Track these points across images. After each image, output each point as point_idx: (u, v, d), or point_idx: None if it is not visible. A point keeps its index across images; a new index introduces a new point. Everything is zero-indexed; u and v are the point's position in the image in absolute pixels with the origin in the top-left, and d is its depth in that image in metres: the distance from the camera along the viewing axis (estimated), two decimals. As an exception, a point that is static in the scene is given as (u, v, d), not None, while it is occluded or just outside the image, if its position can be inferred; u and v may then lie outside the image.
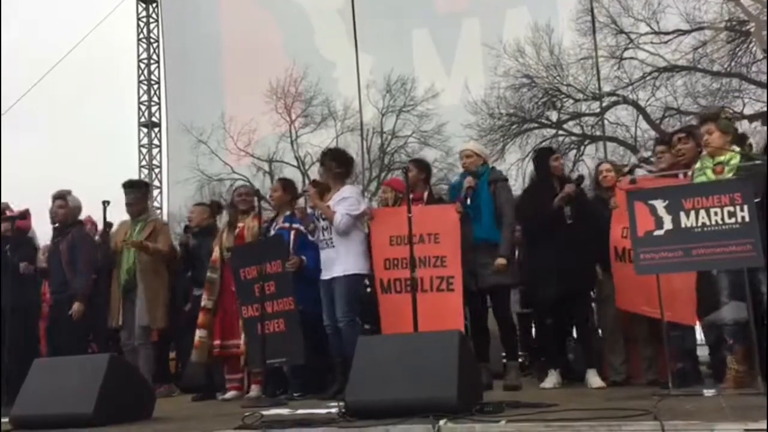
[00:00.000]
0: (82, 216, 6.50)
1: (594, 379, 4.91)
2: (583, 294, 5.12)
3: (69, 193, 6.32)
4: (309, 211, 5.62)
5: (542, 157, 5.40)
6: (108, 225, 6.10)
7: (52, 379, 4.07)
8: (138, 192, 6.33)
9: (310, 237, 5.41)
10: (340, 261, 5.07)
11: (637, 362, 5.18)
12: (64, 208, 6.22)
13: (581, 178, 5.52)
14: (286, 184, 5.98)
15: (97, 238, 6.48)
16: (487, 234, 5.12)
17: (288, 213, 5.72)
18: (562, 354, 5.41)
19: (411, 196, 5.26)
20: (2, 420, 4.12)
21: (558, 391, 4.83)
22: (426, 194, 5.52)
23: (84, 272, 6.02)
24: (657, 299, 4.13)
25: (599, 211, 5.18)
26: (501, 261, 5.07)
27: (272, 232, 5.64)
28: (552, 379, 5.04)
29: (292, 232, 5.54)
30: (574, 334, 5.72)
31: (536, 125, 15.30)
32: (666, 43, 13.91)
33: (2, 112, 13.27)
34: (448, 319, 4.64)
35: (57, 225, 6.26)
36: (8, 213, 6.28)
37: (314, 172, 15.85)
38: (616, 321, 5.23)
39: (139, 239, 6.01)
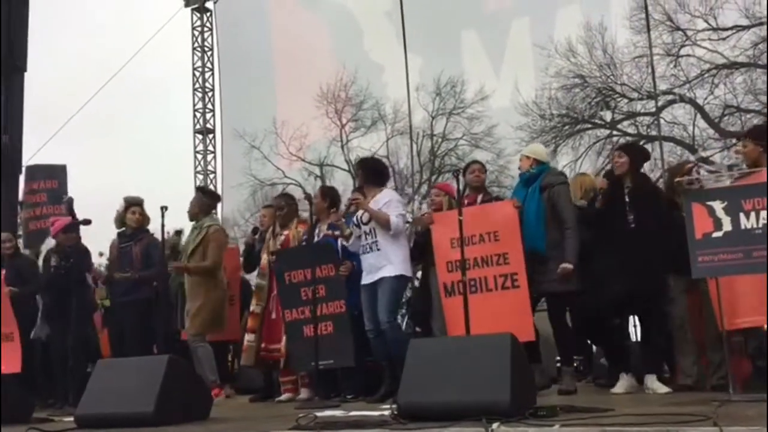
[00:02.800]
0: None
1: (655, 384, 4.72)
2: (647, 298, 4.86)
3: (138, 200, 6.46)
4: (343, 220, 5.64)
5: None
6: (178, 232, 6.25)
7: (115, 380, 4.21)
8: (197, 196, 6.48)
9: (344, 243, 5.41)
10: (386, 263, 5.06)
11: (707, 367, 5.00)
12: (142, 215, 6.38)
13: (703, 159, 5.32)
14: (325, 192, 6.05)
15: None
16: (533, 242, 4.98)
17: (330, 221, 5.77)
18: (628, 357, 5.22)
19: (465, 200, 5.25)
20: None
21: (614, 395, 4.73)
22: (480, 197, 5.48)
23: (158, 266, 6.04)
24: (755, 306, 4.01)
25: (675, 216, 4.80)
26: (566, 266, 4.90)
27: (316, 239, 5.69)
28: (624, 383, 4.85)
29: (340, 240, 5.58)
30: (633, 338, 5.59)
31: (589, 126, 15.07)
32: (725, 39, 13.54)
33: (65, 121, 13.79)
34: (516, 318, 4.59)
35: (126, 231, 6.39)
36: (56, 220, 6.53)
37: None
38: (684, 323, 5.05)
39: (193, 247, 6.09)
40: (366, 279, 5.15)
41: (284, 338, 5.66)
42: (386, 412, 3.66)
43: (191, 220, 6.27)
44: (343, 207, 6.10)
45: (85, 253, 6.52)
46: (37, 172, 8.75)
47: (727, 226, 3.86)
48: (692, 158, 12.50)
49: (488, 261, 4.85)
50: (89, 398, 4.19)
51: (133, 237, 6.36)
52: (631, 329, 5.69)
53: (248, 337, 5.91)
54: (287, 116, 15.58)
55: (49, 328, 6.50)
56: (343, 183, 15.94)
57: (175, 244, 6.26)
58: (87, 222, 6.41)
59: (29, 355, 6.20)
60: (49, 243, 6.75)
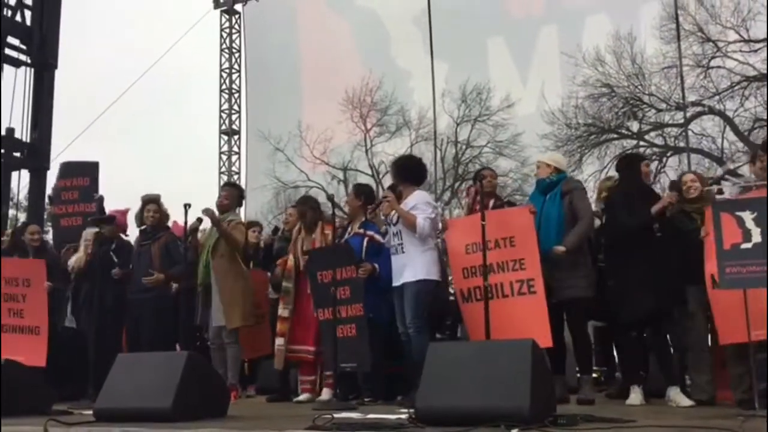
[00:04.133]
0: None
1: (678, 397, 4.66)
2: (671, 311, 4.86)
3: (160, 197, 6.49)
4: (381, 217, 5.62)
5: (633, 163, 5.21)
6: (199, 220, 6.26)
7: (134, 375, 4.22)
8: (233, 189, 6.52)
9: (382, 240, 5.40)
10: (410, 266, 5.04)
11: (723, 381, 4.92)
12: (159, 213, 6.40)
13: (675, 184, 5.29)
14: (358, 190, 5.99)
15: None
16: (554, 246, 4.97)
17: (363, 219, 5.74)
18: (644, 370, 5.18)
19: (477, 206, 5.21)
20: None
21: (636, 407, 4.65)
22: (492, 202, 5.44)
23: (181, 263, 6.03)
24: (759, 320, 3.92)
25: (686, 226, 4.92)
26: (559, 248, 4.89)
27: (346, 236, 5.68)
28: (638, 396, 4.83)
29: (366, 239, 5.56)
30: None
31: (616, 136, 14.94)
32: (756, 51, 13.35)
33: (94, 119, 13.98)
34: (533, 323, 4.54)
35: (146, 228, 6.40)
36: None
37: (388, 181, 16.04)
38: (702, 337, 4.98)
39: (214, 241, 6.05)
40: (394, 281, 5.15)
41: (312, 339, 5.66)
42: (404, 416, 3.63)
43: (222, 212, 6.21)
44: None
45: (126, 247, 6.54)
46: (70, 169, 8.93)
47: (756, 237, 3.78)
48: (720, 170, 12.33)
49: (504, 267, 4.80)
50: (108, 392, 4.20)
51: (152, 235, 6.37)
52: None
53: (278, 342, 5.88)
54: (312, 119, 15.64)
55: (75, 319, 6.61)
56: (368, 184, 15.97)
57: (195, 229, 6.22)
58: (112, 219, 6.50)
59: (53, 347, 6.26)
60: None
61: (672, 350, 5.19)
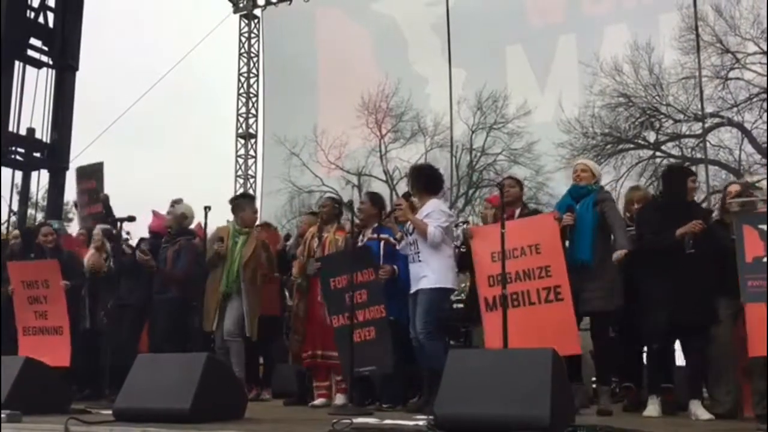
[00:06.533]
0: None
1: (700, 410, 4.64)
2: (699, 327, 4.78)
3: (179, 201, 6.60)
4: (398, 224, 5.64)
5: (680, 177, 5.05)
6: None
7: (153, 375, 4.25)
8: (254, 205, 6.58)
9: (397, 246, 5.44)
10: (426, 274, 5.07)
11: (746, 394, 4.86)
12: (172, 215, 6.54)
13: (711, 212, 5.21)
14: (374, 198, 6.06)
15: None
16: (587, 256, 4.96)
17: (376, 224, 5.77)
18: (664, 381, 5.12)
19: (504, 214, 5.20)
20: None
21: (655, 419, 4.63)
22: (518, 211, 5.45)
23: (185, 265, 6.18)
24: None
25: (724, 238, 4.73)
26: (620, 252, 4.84)
27: (360, 243, 5.71)
28: (655, 407, 4.80)
29: (381, 243, 5.60)
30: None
31: (632, 146, 14.87)
32: (775, 63, 13.26)
33: (112, 122, 14.10)
34: (561, 331, 4.51)
35: (172, 230, 6.53)
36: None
37: (402, 187, 16.05)
38: (724, 350, 4.91)
39: (246, 253, 6.04)
40: (411, 287, 5.19)
41: (322, 344, 5.68)
42: (422, 422, 3.64)
43: (246, 227, 6.20)
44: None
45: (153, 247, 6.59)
46: (80, 173, 9.05)
47: (779, 250, 3.76)
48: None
49: (530, 274, 4.76)
50: (128, 392, 4.24)
51: (171, 239, 6.49)
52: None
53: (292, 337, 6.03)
54: (328, 124, 15.68)
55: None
56: (380, 193, 15.97)
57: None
58: (132, 218, 6.55)
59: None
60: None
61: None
